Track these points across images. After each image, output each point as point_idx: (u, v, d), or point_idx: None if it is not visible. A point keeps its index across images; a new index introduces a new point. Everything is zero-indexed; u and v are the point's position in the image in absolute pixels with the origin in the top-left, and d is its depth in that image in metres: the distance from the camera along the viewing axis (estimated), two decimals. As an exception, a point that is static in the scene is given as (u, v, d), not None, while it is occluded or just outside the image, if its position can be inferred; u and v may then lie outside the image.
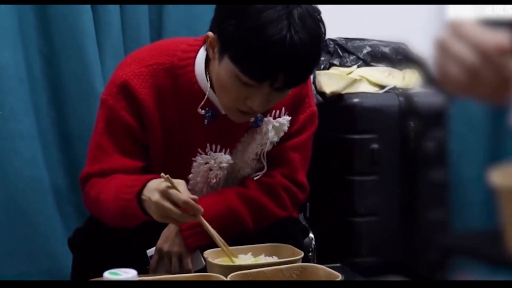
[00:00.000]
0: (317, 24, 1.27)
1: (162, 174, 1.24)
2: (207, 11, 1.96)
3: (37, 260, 1.84)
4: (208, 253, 1.31)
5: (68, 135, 1.89)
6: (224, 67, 1.29)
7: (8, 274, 1.80)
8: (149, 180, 1.29)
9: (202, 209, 1.24)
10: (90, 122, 1.78)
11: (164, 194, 1.23)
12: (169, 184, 1.23)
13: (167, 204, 1.22)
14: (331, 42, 2.20)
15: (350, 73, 2.14)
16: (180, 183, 1.26)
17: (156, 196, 1.24)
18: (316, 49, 1.29)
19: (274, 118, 1.44)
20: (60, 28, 1.82)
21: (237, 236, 1.39)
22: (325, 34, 1.31)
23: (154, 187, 1.25)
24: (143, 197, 1.27)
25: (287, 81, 1.27)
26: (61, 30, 1.82)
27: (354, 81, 2.09)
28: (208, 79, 1.37)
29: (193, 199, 1.23)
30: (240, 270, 1.21)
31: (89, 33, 1.82)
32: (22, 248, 1.82)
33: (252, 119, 1.42)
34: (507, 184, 0.64)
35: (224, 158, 1.43)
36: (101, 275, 0.97)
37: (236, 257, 1.31)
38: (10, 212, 1.80)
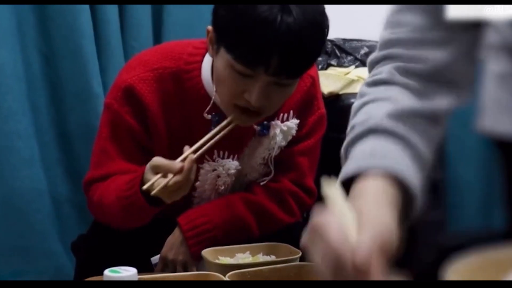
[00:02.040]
0: (319, 12, 1.22)
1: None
2: (208, 10, 1.97)
3: (34, 259, 1.83)
4: (206, 252, 1.32)
5: (66, 134, 1.89)
6: (220, 59, 1.25)
7: (4, 273, 1.80)
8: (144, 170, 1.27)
9: (191, 158, 1.22)
10: (88, 121, 1.79)
11: (166, 193, 1.22)
12: (160, 190, 1.21)
13: (176, 192, 1.22)
14: (329, 43, 2.20)
15: (347, 73, 2.15)
16: (159, 166, 1.23)
17: (164, 199, 1.23)
18: (315, 34, 1.21)
19: (282, 121, 1.41)
20: (59, 27, 1.82)
21: (242, 242, 1.38)
22: (327, 26, 1.25)
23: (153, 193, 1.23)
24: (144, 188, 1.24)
25: (282, 66, 1.20)
26: (59, 29, 1.82)
27: (352, 81, 2.09)
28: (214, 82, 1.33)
29: (180, 168, 1.20)
30: (238, 269, 1.22)
31: (87, 32, 1.82)
32: (19, 247, 1.82)
33: (258, 127, 1.39)
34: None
35: (232, 165, 1.40)
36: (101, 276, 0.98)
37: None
38: (7, 211, 1.80)
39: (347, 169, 0.78)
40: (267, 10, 1.17)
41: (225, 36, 1.23)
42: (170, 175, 1.21)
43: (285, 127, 1.41)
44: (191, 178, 1.23)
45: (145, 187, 1.23)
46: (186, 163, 1.21)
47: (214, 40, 1.27)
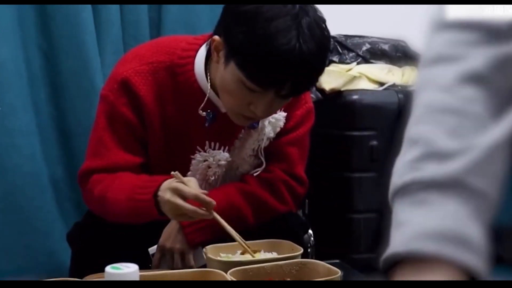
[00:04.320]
0: (324, 34, 1.29)
1: (172, 172, 1.27)
2: (206, 9, 1.98)
3: (35, 255, 1.84)
4: (208, 249, 1.32)
5: (67, 131, 1.90)
6: (230, 72, 1.29)
7: (6, 269, 1.80)
8: (164, 180, 1.30)
9: (214, 202, 1.25)
10: (90, 118, 1.78)
11: (175, 191, 1.25)
12: (179, 181, 1.25)
13: (178, 201, 1.25)
14: (331, 39, 2.20)
15: (349, 70, 2.15)
16: (191, 180, 1.28)
17: (168, 195, 1.26)
18: (323, 58, 1.30)
19: None
20: (60, 24, 1.82)
21: (238, 232, 1.40)
22: (330, 43, 1.34)
23: (166, 186, 1.27)
24: (158, 198, 1.28)
25: (293, 89, 1.28)
26: (60, 27, 1.82)
27: (354, 78, 2.09)
28: (208, 78, 1.37)
29: (203, 193, 1.25)
30: (239, 266, 1.22)
31: (89, 29, 1.83)
32: (21, 243, 1.83)
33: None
34: None
35: (223, 156, 1.44)
36: (100, 271, 0.98)
37: (255, 252, 1.32)
38: (9, 208, 1.80)
39: (406, 243, 0.65)
40: (286, 43, 1.22)
41: (240, 56, 1.27)
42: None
43: (273, 119, 1.45)
44: (194, 212, 1.25)
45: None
46: (207, 199, 1.25)
47: (223, 53, 1.30)
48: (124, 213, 1.36)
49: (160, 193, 1.28)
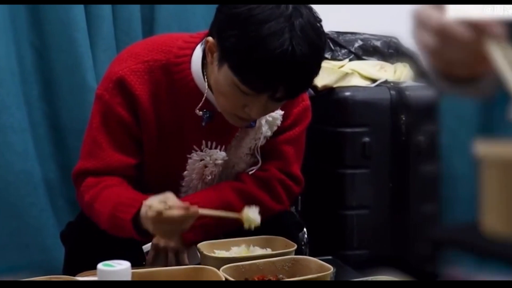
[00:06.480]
0: (318, 35, 1.26)
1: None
2: (199, 5, 1.97)
3: (29, 253, 1.84)
4: (201, 246, 1.32)
5: (59, 128, 1.89)
6: (223, 75, 1.27)
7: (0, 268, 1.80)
8: (143, 202, 1.29)
9: (197, 209, 1.26)
10: (82, 115, 1.78)
11: (157, 220, 1.24)
12: (154, 214, 1.24)
13: (166, 227, 1.26)
14: (325, 40, 2.21)
15: (341, 66, 2.15)
16: (168, 198, 1.26)
17: (151, 227, 1.26)
18: (317, 61, 1.28)
19: None
20: (52, 21, 1.82)
21: (232, 231, 1.40)
22: (325, 44, 1.32)
23: (145, 215, 1.26)
24: (140, 215, 1.28)
25: (287, 92, 1.27)
26: (52, 23, 1.82)
27: (346, 74, 2.09)
28: (205, 78, 1.36)
29: (184, 207, 1.24)
30: (233, 262, 1.22)
31: (81, 26, 1.82)
32: (14, 241, 1.82)
33: None
34: (492, 154, 0.65)
35: (220, 155, 1.43)
36: (94, 269, 0.98)
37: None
38: (1, 205, 1.80)
39: None
40: (278, 46, 1.20)
41: (233, 60, 1.25)
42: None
43: (270, 118, 1.44)
44: (184, 225, 1.27)
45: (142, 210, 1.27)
46: (190, 207, 1.25)
47: (216, 55, 1.29)
48: (107, 227, 1.37)
49: (142, 219, 1.27)
